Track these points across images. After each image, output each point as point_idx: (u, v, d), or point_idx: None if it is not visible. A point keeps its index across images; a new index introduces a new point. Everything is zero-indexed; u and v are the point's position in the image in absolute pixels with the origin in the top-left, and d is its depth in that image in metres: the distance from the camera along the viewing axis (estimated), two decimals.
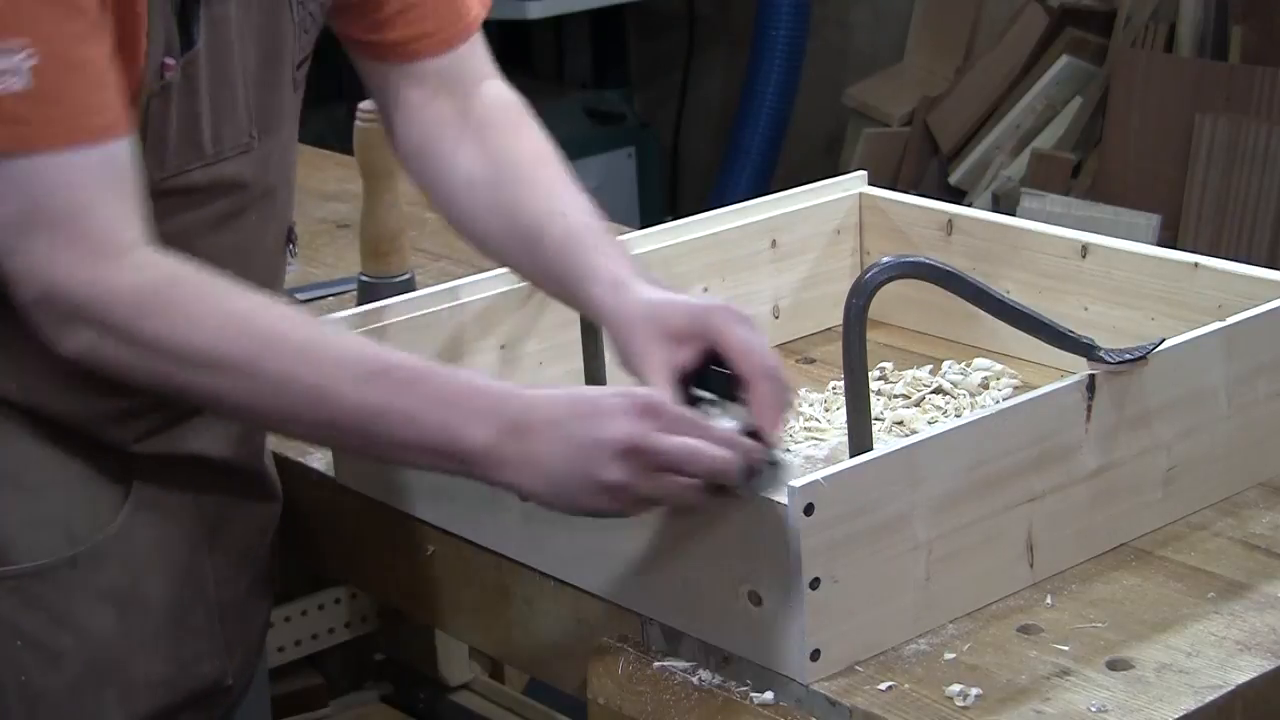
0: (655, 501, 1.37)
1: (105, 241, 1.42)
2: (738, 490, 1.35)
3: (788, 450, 1.65)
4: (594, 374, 1.74)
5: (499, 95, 1.72)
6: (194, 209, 1.56)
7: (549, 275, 1.61)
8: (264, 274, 1.65)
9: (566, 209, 1.61)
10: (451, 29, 1.70)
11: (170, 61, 1.49)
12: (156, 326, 1.41)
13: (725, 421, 1.39)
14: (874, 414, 1.64)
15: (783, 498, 1.35)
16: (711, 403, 1.42)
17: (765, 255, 1.97)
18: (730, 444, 1.35)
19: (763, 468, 1.35)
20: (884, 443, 1.45)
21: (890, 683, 1.38)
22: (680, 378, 1.44)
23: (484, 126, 1.68)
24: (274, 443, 1.83)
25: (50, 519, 1.57)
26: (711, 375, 1.43)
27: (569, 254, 1.57)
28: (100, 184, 1.42)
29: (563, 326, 1.81)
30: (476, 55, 1.73)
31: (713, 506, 1.37)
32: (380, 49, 1.70)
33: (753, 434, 1.37)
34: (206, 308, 1.42)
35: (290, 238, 1.74)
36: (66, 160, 1.40)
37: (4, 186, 1.41)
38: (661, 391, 1.40)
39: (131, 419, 1.59)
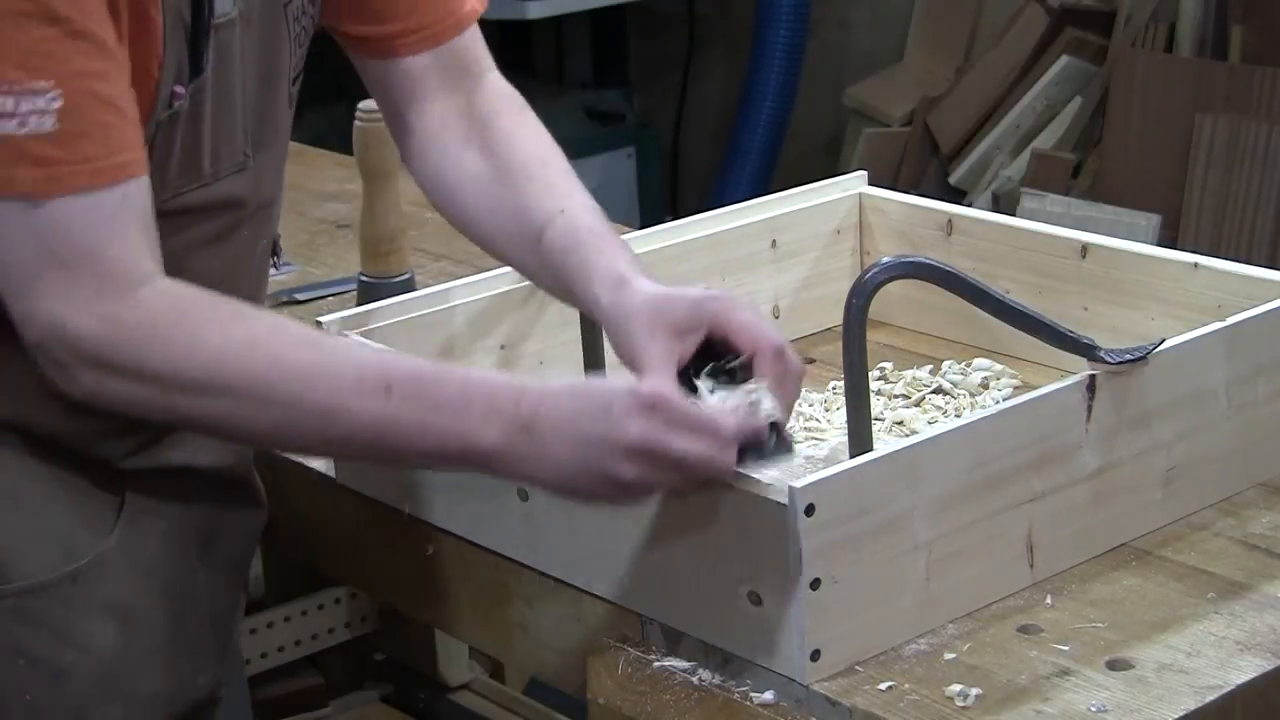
0: (662, 491, 1.40)
1: (118, 278, 1.39)
2: (744, 468, 1.38)
3: (792, 429, 1.64)
4: (594, 374, 1.74)
5: (500, 92, 1.72)
6: (189, 229, 1.54)
7: (551, 274, 1.61)
8: (250, 286, 1.64)
9: (567, 207, 1.61)
10: (445, 21, 1.70)
11: (180, 90, 1.47)
12: (159, 358, 1.39)
13: (730, 400, 1.39)
14: (874, 414, 1.63)
15: (783, 498, 1.35)
16: (715, 388, 1.42)
17: (765, 255, 1.97)
18: (727, 438, 1.36)
19: (766, 445, 1.38)
20: (884, 443, 1.45)
21: (890, 683, 1.38)
22: (680, 369, 1.44)
23: (486, 125, 1.69)
24: None
25: (48, 535, 1.55)
26: (716, 362, 1.43)
27: (569, 253, 1.58)
28: (118, 222, 1.39)
29: (563, 326, 1.81)
30: (475, 49, 1.72)
31: (710, 494, 1.40)
32: (377, 44, 1.69)
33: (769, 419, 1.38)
34: (209, 335, 1.40)
35: (275, 250, 1.73)
36: (88, 200, 1.37)
37: (24, 229, 1.37)
38: (663, 384, 1.40)
39: (120, 435, 1.57)
